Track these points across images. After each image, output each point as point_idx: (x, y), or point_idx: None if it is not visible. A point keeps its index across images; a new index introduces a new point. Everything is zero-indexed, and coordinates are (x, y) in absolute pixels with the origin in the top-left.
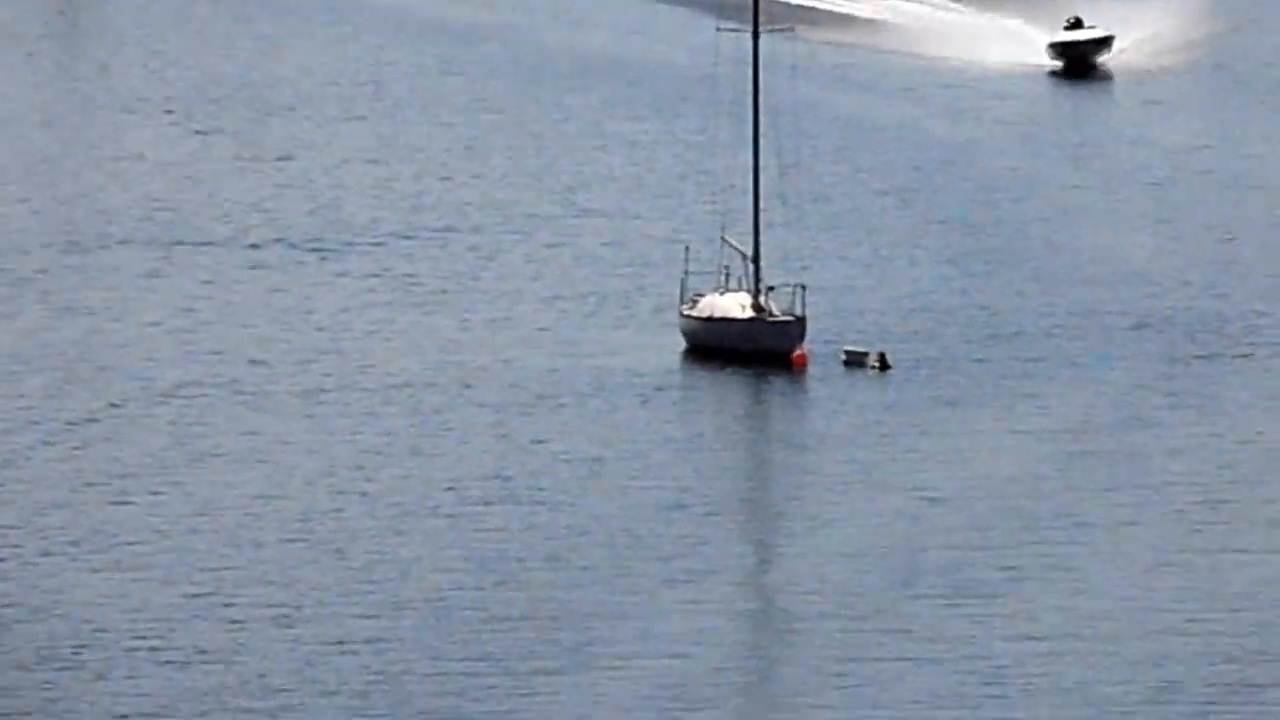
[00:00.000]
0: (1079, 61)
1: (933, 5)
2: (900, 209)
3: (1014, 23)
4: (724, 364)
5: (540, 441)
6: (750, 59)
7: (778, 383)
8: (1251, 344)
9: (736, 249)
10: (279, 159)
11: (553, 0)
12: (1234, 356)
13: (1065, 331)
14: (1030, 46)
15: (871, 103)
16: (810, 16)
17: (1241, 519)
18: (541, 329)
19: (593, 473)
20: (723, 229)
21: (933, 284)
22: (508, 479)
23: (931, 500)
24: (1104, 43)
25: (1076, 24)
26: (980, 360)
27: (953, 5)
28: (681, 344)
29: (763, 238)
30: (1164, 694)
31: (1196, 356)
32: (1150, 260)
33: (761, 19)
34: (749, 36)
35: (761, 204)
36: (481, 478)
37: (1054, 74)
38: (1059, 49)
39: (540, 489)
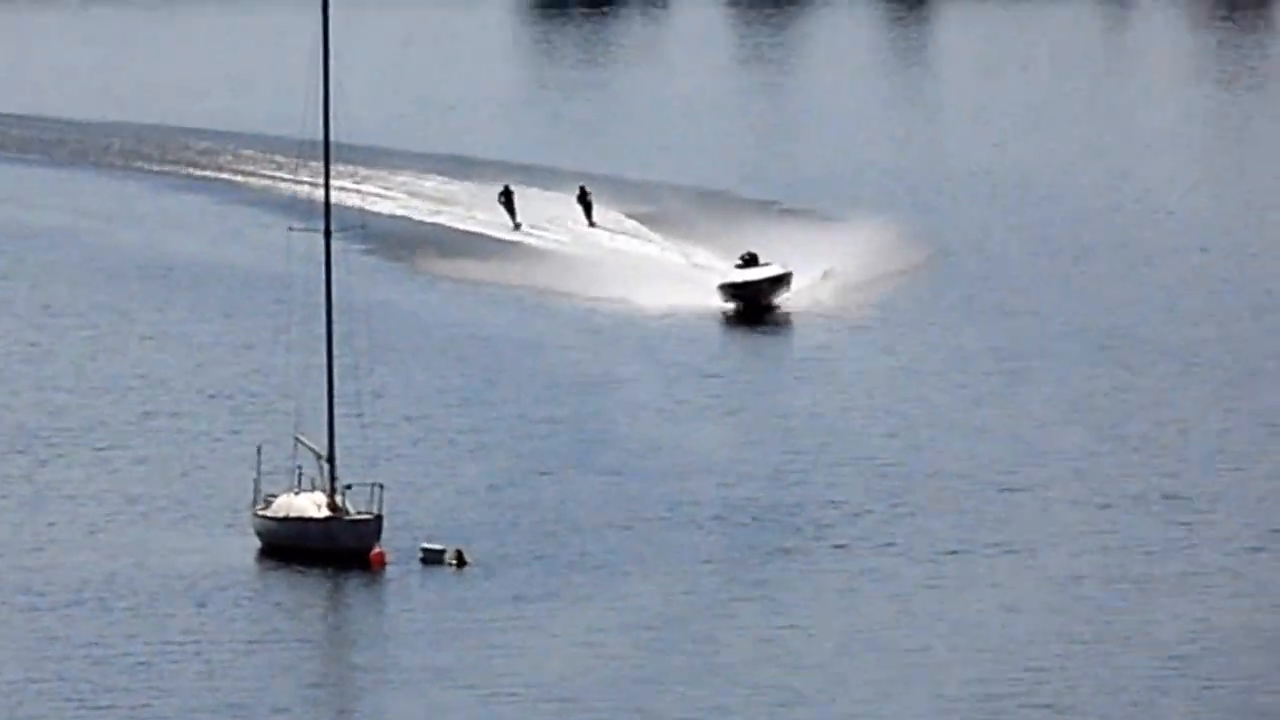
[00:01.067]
0: (752, 302)
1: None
2: (482, 408)
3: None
4: (300, 564)
5: (98, 644)
6: (323, 259)
7: (354, 581)
8: (828, 535)
9: (311, 448)
10: None
11: (124, 203)
12: (811, 548)
13: (644, 525)
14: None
15: (438, 302)
16: (465, 245)
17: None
18: (101, 531)
19: (159, 675)
20: (295, 429)
21: (511, 482)
22: (62, 683)
23: (505, 695)
24: (780, 281)
25: (750, 260)
26: (555, 556)
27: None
28: (256, 544)
29: (337, 437)
30: None
31: (778, 549)
32: (731, 455)
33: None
34: (321, 236)
35: (336, 404)
36: (31, 680)
37: (729, 317)
38: (730, 290)
39: (106, 692)
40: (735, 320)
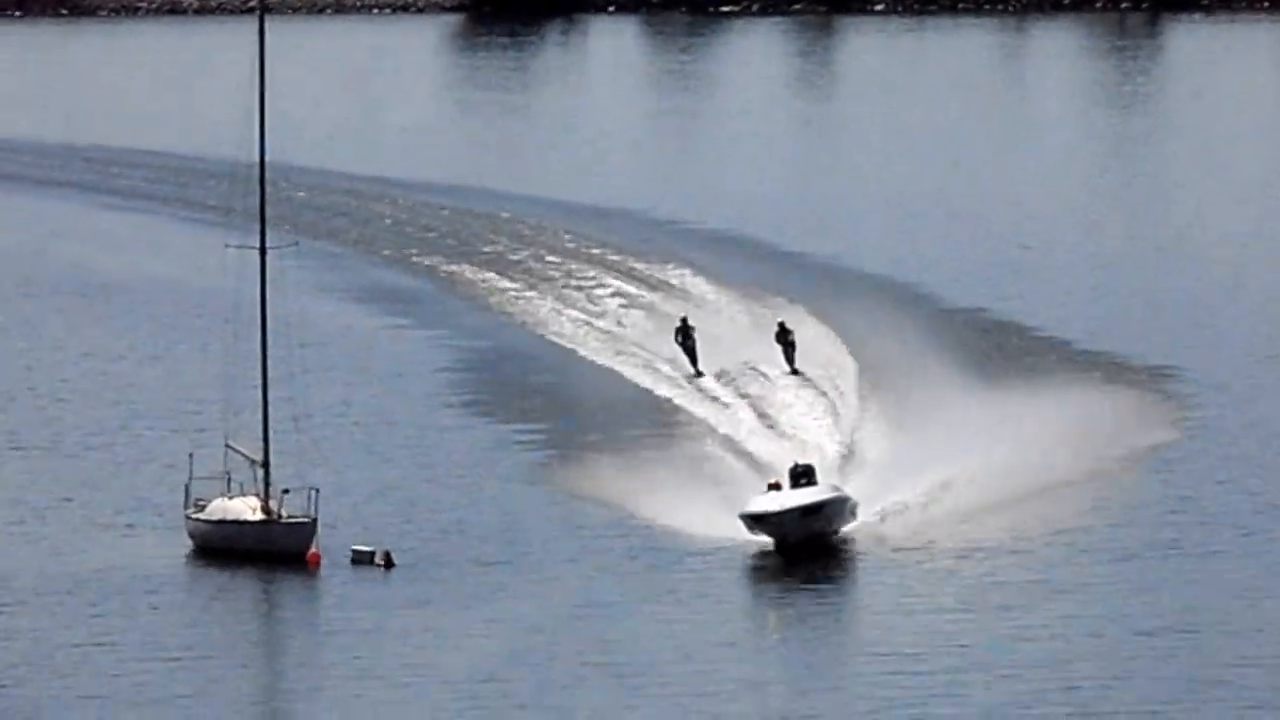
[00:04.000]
0: (784, 539)
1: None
2: (406, 412)
3: None
4: (235, 564)
5: (32, 641)
6: (258, 274)
7: (289, 581)
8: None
9: (245, 455)
10: None
11: (60, 222)
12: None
13: (567, 531)
14: None
15: (368, 316)
16: None
17: None
18: (33, 531)
19: (97, 670)
20: (226, 437)
21: (437, 487)
22: None
23: (429, 690)
24: (824, 510)
25: (798, 475)
26: (479, 558)
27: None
28: (189, 546)
29: (271, 444)
30: None
31: (697, 551)
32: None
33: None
34: (256, 253)
35: (270, 412)
36: None
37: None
38: (752, 522)
39: (38, 688)
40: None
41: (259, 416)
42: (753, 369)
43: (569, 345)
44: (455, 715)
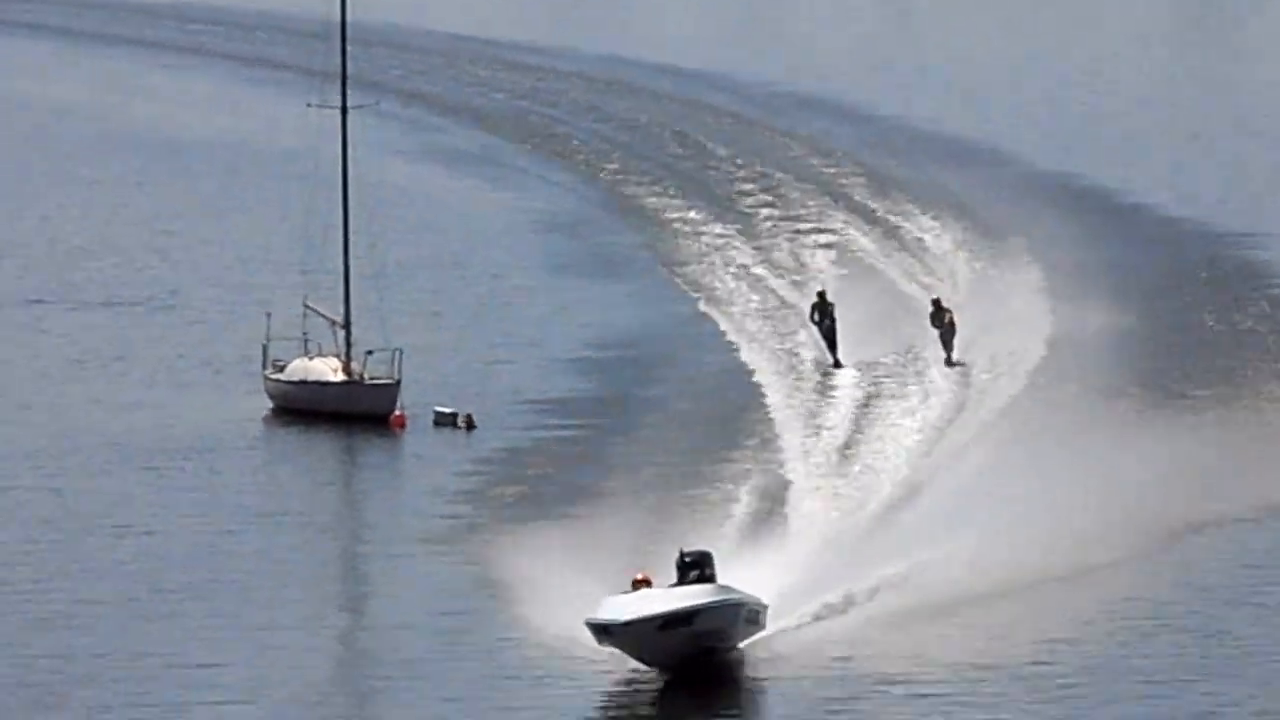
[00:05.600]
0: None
1: None
2: (486, 274)
3: None
4: (317, 425)
5: (116, 501)
6: (339, 134)
7: (373, 441)
8: None
9: (325, 316)
10: None
11: (137, 77)
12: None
13: (642, 397)
14: None
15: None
16: None
17: None
18: (113, 391)
19: (175, 529)
20: (305, 297)
21: (517, 349)
22: (74, 541)
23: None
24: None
25: (687, 568)
26: (552, 422)
27: None
28: (267, 405)
29: (353, 305)
30: None
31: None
32: None
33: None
34: (338, 112)
35: (351, 272)
36: (49, 535)
37: None
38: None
39: (121, 546)
40: None
41: (339, 277)
42: (906, 359)
43: (651, 207)
44: (537, 574)
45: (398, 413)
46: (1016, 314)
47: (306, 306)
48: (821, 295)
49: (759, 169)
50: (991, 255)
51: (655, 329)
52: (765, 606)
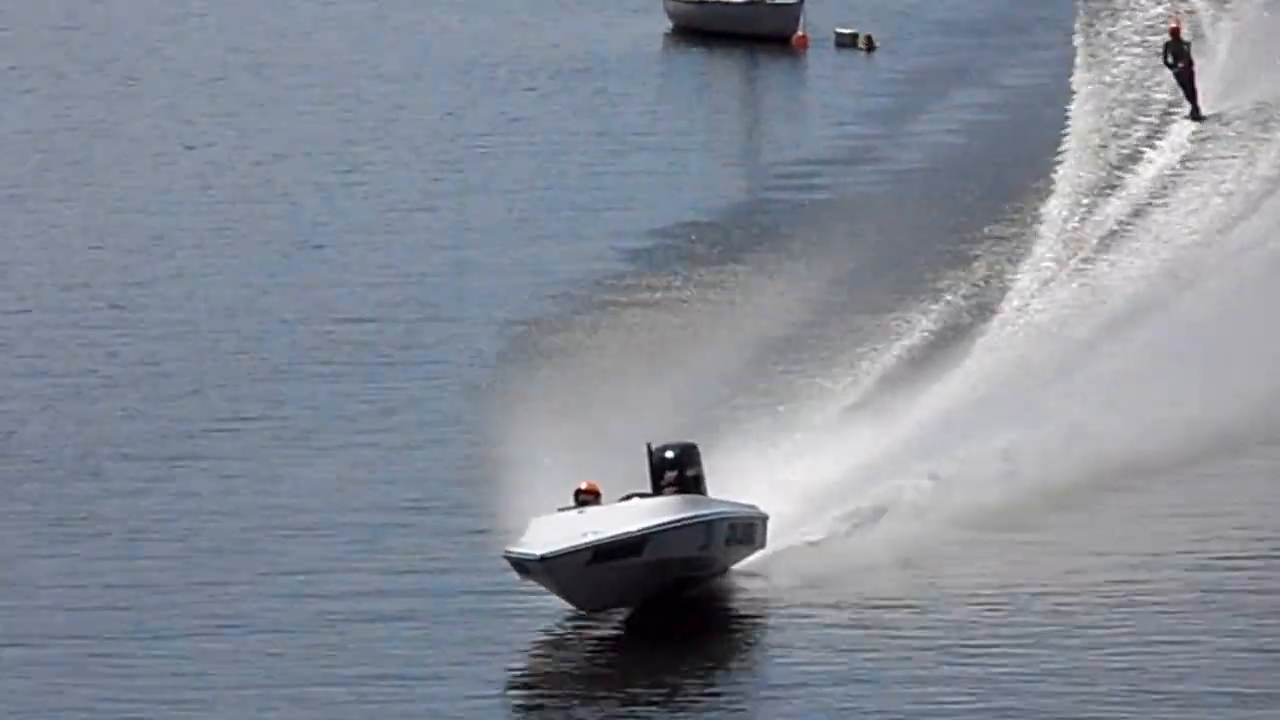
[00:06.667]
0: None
1: None
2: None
3: None
4: (718, 45)
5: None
6: None
7: (778, 61)
8: None
9: None
10: None
11: None
12: None
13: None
14: None
15: None
16: None
17: None
18: (522, 11)
19: (597, 133)
20: None
21: None
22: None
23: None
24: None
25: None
26: (950, 43)
27: None
28: (668, 26)
29: None
30: None
31: None
32: None
33: None
34: None
35: None
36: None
37: None
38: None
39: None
40: None
41: None
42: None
43: None
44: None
45: (800, 33)
46: None
47: None
48: (1174, 32)
49: None
50: None
51: None
52: (762, 517)
